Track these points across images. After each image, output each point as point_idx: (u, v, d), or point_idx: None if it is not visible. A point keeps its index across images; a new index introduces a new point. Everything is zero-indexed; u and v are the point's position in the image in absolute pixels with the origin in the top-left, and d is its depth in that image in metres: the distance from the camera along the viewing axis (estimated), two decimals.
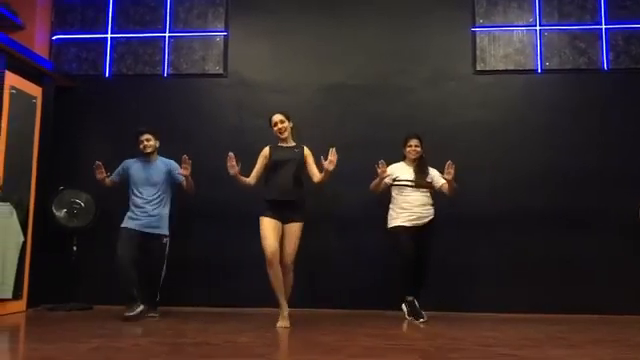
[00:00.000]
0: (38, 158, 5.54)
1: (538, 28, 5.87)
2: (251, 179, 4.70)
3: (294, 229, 4.56)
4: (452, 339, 3.94)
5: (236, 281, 5.49)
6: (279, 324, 4.44)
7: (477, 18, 5.91)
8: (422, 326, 4.62)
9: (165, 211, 5.08)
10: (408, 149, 5.10)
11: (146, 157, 5.11)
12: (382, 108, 5.79)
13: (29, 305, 5.34)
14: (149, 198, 5.01)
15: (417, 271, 4.94)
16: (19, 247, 5.11)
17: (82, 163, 5.88)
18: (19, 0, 5.73)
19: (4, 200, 4.96)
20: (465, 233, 5.50)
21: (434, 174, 5.11)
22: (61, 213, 5.44)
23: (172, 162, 5.14)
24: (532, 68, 5.81)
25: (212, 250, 5.62)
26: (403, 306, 4.97)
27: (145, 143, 5.07)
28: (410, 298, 4.91)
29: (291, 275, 4.62)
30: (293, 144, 4.76)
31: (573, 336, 4.12)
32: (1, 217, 4.89)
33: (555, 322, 4.86)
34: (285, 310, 4.50)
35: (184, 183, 5.02)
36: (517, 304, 5.35)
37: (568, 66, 5.77)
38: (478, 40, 5.88)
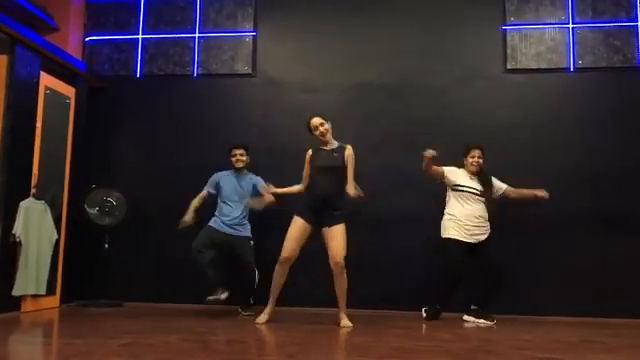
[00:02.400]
0: (71, 157, 5.64)
1: (571, 26, 5.75)
2: (302, 186, 4.68)
3: (335, 230, 4.44)
4: (485, 341, 3.88)
5: (270, 281, 5.48)
6: (258, 319, 4.53)
7: (508, 16, 5.82)
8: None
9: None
10: (470, 160, 5.00)
11: (237, 171, 5.26)
12: (411, 108, 5.74)
13: (62, 301, 5.44)
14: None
15: (486, 285, 4.93)
16: (53, 244, 5.20)
17: (114, 162, 5.99)
18: (54, 3, 5.85)
19: (39, 198, 5.06)
20: (501, 235, 5.39)
21: (495, 183, 5.09)
22: (93, 211, 5.53)
23: (259, 178, 5.28)
24: (564, 67, 5.70)
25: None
26: (424, 310, 4.97)
27: (238, 157, 5.22)
28: (438, 307, 4.92)
29: (343, 278, 4.46)
30: (334, 146, 4.64)
31: (611, 340, 4.01)
32: (36, 214, 4.99)
33: (594, 326, 4.76)
34: (271, 309, 4.57)
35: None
36: (555, 307, 5.24)
37: (602, 64, 5.64)
38: (509, 38, 5.79)
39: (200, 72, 6.08)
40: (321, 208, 4.48)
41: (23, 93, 4.97)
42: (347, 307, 5.25)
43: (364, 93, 5.83)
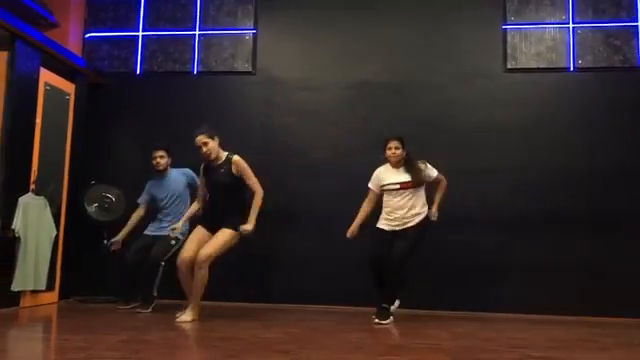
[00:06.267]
0: (71, 153, 5.66)
1: (571, 25, 5.75)
2: (197, 204, 4.73)
3: (220, 232, 4.44)
4: (480, 340, 3.89)
5: (268, 278, 5.50)
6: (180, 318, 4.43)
7: (508, 15, 5.82)
8: (375, 325, 4.46)
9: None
10: (388, 152, 4.78)
11: (159, 173, 5.26)
12: (410, 106, 5.75)
13: (61, 297, 5.46)
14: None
15: (384, 273, 4.65)
16: (52, 240, 5.22)
17: (113, 158, 6.01)
18: None
19: (38, 194, 5.07)
20: (496, 233, 5.41)
21: (426, 169, 4.79)
22: (92, 207, 5.54)
23: (188, 171, 5.27)
24: (564, 66, 5.69)
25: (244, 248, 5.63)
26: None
27: (158, 160, 5.19)
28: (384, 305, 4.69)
29: (202, 274, 4.38)
30: (222, 159, 4.55)
31: (604, 339, 4.03)
32: (35, 210, 5.01)
33: (588, 325, 4.77)
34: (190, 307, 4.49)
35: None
36: (548, 306, 5.24)
37: (602, 64, 5.64)
38: (509, 38, 5.79)
39: (200, 70, 6.08)
40: (214, 218, 4.50)
41: (23, 89, 4.98)
42: (346, 303, 5.25)
43: (364, 91, 5.84)
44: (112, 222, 5.57)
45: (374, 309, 5.02)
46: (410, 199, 4.73)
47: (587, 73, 5.65)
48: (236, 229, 4.42)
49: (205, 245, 4.39)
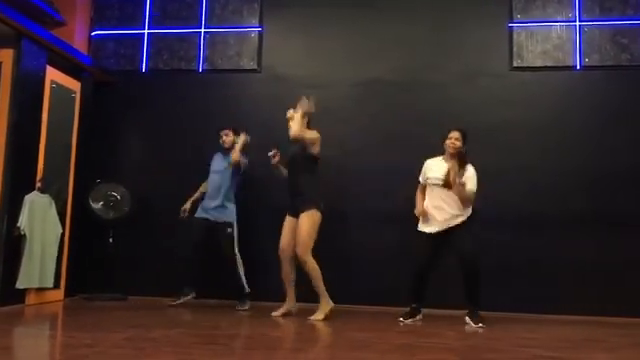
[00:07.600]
0: (76, 151, 5.66)
1: (578, 23, 5.71)
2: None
3: (299, 221, 4.69)
4: (488, 339, 3.87)
5: (274, 277, 5.47)
6: (275, 312, 4.75)
7: (514, 13, 5.78)
8: (402, 324, 4.53)
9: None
10: (448, 142, 4.78)
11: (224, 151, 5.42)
12: (417, 104, 5.73)
13: (66, 294, 5.46)
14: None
15: (465, 279, 4.60)
16: (58, 238, 5.22)
17: (118, 156, 6.01)
18: None
19: (43, 192, 5.07)
20: (503, 234, 5.37)
21: (469, 174, 4.73)
22: (98, 205, 5.55)
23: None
24: (571, 65, 5.66)
25: (253, 245, 5.62)
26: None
27: (224, 138, 5.39)
28: (414, 305, 4.76)
29: (307, 268, 4.63)
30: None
31: (613, 339, 4.00)
32: (41, 208, 5.00)
33: (601, 325, 4.74)
34: (286, 304, 4.80)
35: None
36: (559, 306, 5.20)
37: (609, 62, 5.59)
38: (515, 36, 5.75)
39: (205, 67, 6.08)
40: (292, 202, 4.76)
41: (29, 87, 4.98)
42: (352, 302, 5.22)
43: (370, 90, 5.81)
44: (118, 220, 5.58)
45: (381, 308, 5.02)
46: (453, 197, 4.64)
47: (594, 71, 5.61)
48: (311, 208, 4.66)
49: (296, 241, 4.66)
